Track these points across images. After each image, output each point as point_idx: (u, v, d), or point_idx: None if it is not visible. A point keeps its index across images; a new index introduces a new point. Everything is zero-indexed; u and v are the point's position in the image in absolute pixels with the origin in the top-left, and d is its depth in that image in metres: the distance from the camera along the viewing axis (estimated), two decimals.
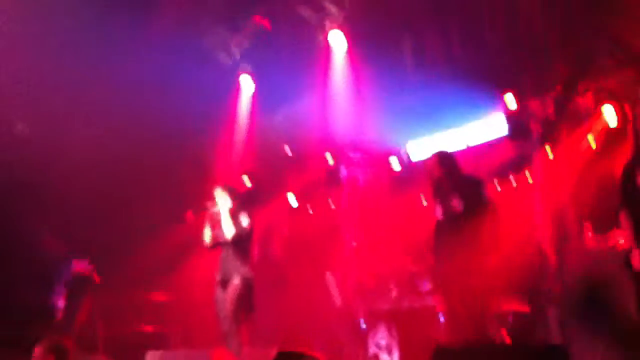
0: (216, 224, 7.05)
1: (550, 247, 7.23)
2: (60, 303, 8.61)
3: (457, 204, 6.58)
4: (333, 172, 9.46)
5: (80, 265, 8.80)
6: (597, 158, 7.45)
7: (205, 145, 10.42)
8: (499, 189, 7.97)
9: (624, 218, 5.07)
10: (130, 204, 9.88)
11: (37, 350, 5.01)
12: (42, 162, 9.10)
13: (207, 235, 7.07)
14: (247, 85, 10.77)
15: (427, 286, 7.83)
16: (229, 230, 6.85)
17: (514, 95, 8.09)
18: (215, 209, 7.05)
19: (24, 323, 7.98)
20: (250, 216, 7.00)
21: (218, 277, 6.95)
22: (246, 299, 6.74)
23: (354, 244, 9.23)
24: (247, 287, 6.80)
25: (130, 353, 6.92)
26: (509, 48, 8.57)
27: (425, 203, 8.19)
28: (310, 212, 10.24)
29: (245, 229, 6.90)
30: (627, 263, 4.95)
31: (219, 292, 6.90)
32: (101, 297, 9.03)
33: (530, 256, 7.27)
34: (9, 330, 7.84)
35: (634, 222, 4.98)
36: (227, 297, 6.76)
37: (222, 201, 7.01)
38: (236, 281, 6.76)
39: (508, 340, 6.72)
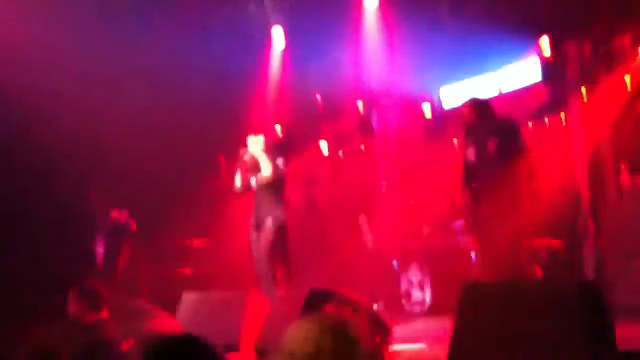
0: (249, 169, 7.12)
1: (586, 188, 7.19)
2: (100, 250, 8.87)
3: (491, 145, 6.56)
4: (365, 120, 9.45)
5: (118, 214, 9.02)
6: (634, 100, 7.33)
7: (239, 97, 10.48)
8: (534, 131, 7.91)
9: None
10: (169, 156, 10.04)
11: (71, 295, 4.96)
12: (89, 120, 9.29)
13: (239, 179, 7.15)
14: (279, 36, 10.75)
15: (459, 225, 7.88)
16: (265, 170, 6.93)
17: (550, 38, 7.95)
18: (247, 155, 7.12)
19: (66, 270, 8.25)
20: (285, 161, 7.09)
21: (252, 221, 7.05)
22: (280, 241, 6.84)
23: (384, 183, 9.29)
24: (281, 229, 6.89)
25: (170, 296, 7.09)
26: None
27: (456, 142, 8.17)
28: (343, 159, 10.28)
29: (281, 170, 6.99)
30: None
31: (253, 235, 7.01)
32: (142, 243, 9.27)
33: (565, 196, 7.24)
34: (52, 277, 8.11)
35: None
36: (261, 240, 6.87)
37: (256, 146, 7.07)
38: (270, 224, 6.86)
39: (541, 277, 6.76)
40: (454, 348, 3.96)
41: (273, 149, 7.15)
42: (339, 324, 2.01)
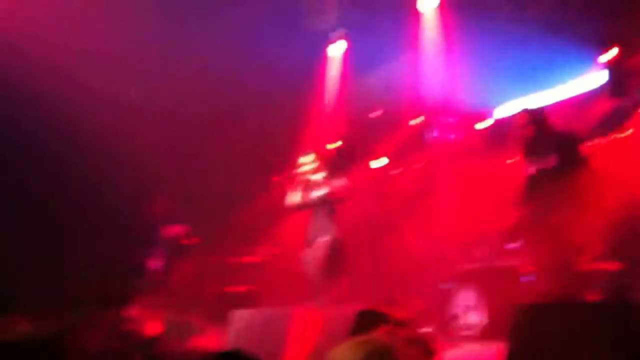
0: (305, 187, 7.11)
1: None
2: (152, 264, 8.95)
3: (552, 159, 6.34)
4: (424, 135, 9.30)
5: (175, 229, 9.10)
6: None
7: (296, 110, 10.48)
8: (598, 146, 7.62)
9: None
10: (225, 172, 10.10)
11: (133, 309, 5.04)
12: (147, 132, 9.42)
13: (294, 197, 7.12)
14: (338, 49, 10.72)
15: (512, 246, 7.64)
16: (322, 189, 6.87)
17: (617, 49, 7.69)
18: (304, 173, 7.10)
19: (120, 282, 8.35)
20: (343, 178, 7.05)
21: (306, 237, 7.02)
22: (334, 258, 6.78)
23: (442, 201, 9.12)
24: (336, 247, 6.83)
25: (223, 311, 7.09)
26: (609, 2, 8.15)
27: (512, 161, 7.94)
28: (401, 174, 10.14)
29: (338, 189, 6.94)
30: None
31: (307, 251, 6.97)
32: (196, 259, 9.32)
33: (629, 215, 6.93)
34: (103, 288, 8.21)
35: None
36: (316, 256, 6.82)
37: (311, 165, 7.06)
38: (324, 241, 6.80)
39: (597, 298, 6.47)
40: None
41: (328, 167, 7.12)
42: (385, 348, 1.96)
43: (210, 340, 5.64)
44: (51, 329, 2.67)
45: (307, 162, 7.16)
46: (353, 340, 2.05)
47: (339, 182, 7.00)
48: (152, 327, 4.98)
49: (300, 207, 7.20)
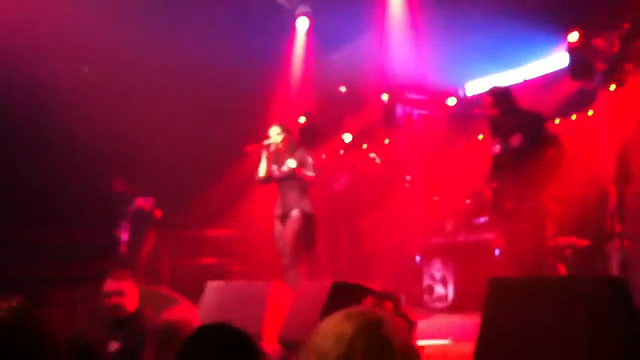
0: (273, 159, 7.09)
1: (612, 185, 7.10)
2: (124, 237, 8.91)
3: (516, 139, 6.47)
4: (389, 111, 9.39)
5: (142, 201, 9.05)
6: None
7: (263, 86, 10.46)
8: (561, 127, 7.83)
9: None
10: (192, 144, 10.07)
11: (108, 282, 4.95)
12: (113, 106, 9.33)
13: (263, 168, 7.11)
14: (303, 25, 10.71)
15: (482, 221, 7.83)
16: (291, 162, 6.89)
17: (580, 32, 7.84)
18: (273, 145, 7.07)
19: (90, 257, 8.31)
20: (309, 156, 7.03)
21: (277, 212, 7.02)
22: (305, 233, 6.80)
23: (408, 177, 9.24)
24: (307, 221, 6.86)
25: (192, 284, 7.12)
26: None
27: (481, 138, 8.09)
28: (367, 150, 10.24)
29: (310, 164, 6.93)
30: None
31: (277, 226, 6.99)
32: (165, 232, 9.31)
33: (592, 193, 7.16)
34: (76, 264, 8.18)
35: None
36: (286, 231, 6.85)
37: (280, 137, 7.03)
38: (295, 215, 6.82)
39: (564, 274, 6.70)
40: (481, 343, 3.94)
41: (295, 141, 7.11)
42: (377, 320, 1.92)
43: (179, 311, 5.64)
44: (19, 311, 2.56)
45: (276, 133, 7.12)
46: (343, 312, 2.01)
47: (310, 162, 6.98)
48: (129, 302, 4.93)
49: (267, 180, 7.18)
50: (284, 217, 6.93)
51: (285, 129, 7.15)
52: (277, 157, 7.08)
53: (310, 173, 6.90)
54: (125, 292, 4.83)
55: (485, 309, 4.09)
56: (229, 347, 2.25)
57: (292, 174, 6.91)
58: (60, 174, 9.03)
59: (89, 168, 9.13)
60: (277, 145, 7.03)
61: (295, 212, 6.84)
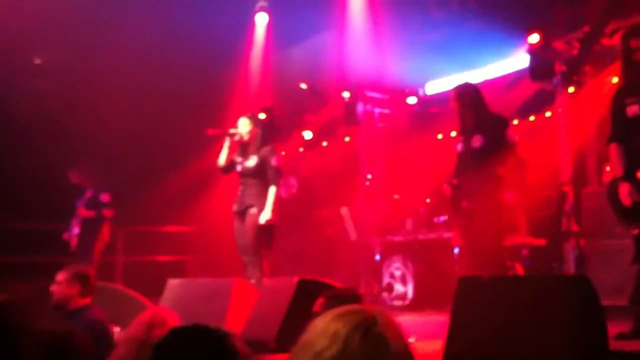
0: (239, 150, 6.95)
1: (569, 187, 7.21)
2: (75, 231, 8.69)
3: (477, 140, 6.48)
4: (350, 109, 9.35)
5: (99, 197, 8.82)
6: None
7: (223, 82, 10.36)
8: (520, 127, 7.92)
9: (613, 150, 4.96)
10: (152, 138, 9.91)
11: (61, 277, 4.84)
12: (67, 98, 9.13)
13: (223, 157, 6.95)
14: (263, 21, 10.64)
15: (442, 219, 7.87)
16: (252, 160, 6.78)
17: (539, 35, 7.93)
18: (237, 135, 6.90)
19: (41, 250, 8.08)
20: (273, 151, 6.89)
21: (235, 208, 6.89)
22: (266, 230, 6.69)
23: (369, 176, 9.24)
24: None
25: (148, 281, 6.99)
26: None
27: (440, 137, 8.13)
28: (327, 148, 10.22)
29: (272, 166, 6.81)
30: None
31: (237, 222, 6.87)
32: (122, 227, 9.11)
33: (549, 193, 7.26)
34: (26, 257, 7.95)
35: (624, 154, 4.88)
36: (246, 228, 6.73)
37: (247, 129, 6.88)
38: (254, 212, 6.70)
39: (521, 273, 6.78)
40: (450, 341, 3.94)
41: (262, 135, 6.98)
42: (369, 320, 1.87)
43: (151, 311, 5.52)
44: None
45: (244, 124, 6.91)
46: (336, 311, 1.96)
47: (274, 162, 6.84)
48: (82, 298, 4.82)
49: (227, 169, 7.03)
50: (242, 214, 6.81)
51: (254, 122, 6.98)
52: (243, 150, 6.92)
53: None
54: (72, 285, 4.74)
55: (454, 307, 4.10)
56: (206, 349, 2.14)
57: (255, 170, 6.79)
58: (12, 165, 8.77)
59: (40, 159, 8.87)
60: (241, 136, 6.86)
61: (254, 210, 6.70)
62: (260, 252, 6.66)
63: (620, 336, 4.58)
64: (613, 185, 4.95)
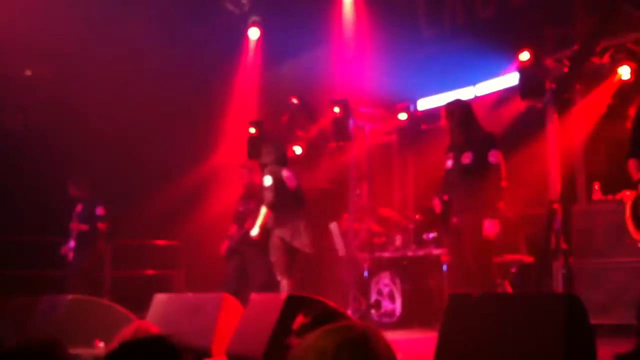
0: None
1: (559, 205, 7.20)
2: (72, 244, 8.63)
3: (466, 157, 6.47)
4: (341, 124, 9.34)
5: (93, 210, 8.76)
6: (610, 119, 7.39)
7: (215, 96, 10.35)
8: (510, 145, 7.92)
9: (632, 165, 4.95)
10: (140, 153, 9.88)
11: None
12: (57, 111, 9.11)
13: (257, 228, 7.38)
14: (255, 35, 10.66)
15: (431, 236, 7.85)
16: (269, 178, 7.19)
17: (530, 52, 7.96)
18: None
19: (38, 262, 8.02)
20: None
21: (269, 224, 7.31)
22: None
23: (358, 192, 9.23)
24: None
25: (135, 295, 6.93)
26: (528, 5, 8.47)
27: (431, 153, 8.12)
28: (317, 163, 10.19)
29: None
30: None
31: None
32: (109, 241, 9.05)
33: (539, 211, 7.25)
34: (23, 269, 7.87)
35: None
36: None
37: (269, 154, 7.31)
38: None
39: (510, 290, 6.75)
40: (439, 358, 3.90)
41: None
42: (358, 337, 1.85)
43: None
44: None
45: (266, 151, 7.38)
46: (325, 328, 1.93)
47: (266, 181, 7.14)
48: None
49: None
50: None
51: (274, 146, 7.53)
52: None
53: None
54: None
55: (443, 324, 4.07)
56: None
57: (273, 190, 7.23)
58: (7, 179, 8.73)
59: (29, 172, 8.82)
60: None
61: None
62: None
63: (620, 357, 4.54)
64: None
